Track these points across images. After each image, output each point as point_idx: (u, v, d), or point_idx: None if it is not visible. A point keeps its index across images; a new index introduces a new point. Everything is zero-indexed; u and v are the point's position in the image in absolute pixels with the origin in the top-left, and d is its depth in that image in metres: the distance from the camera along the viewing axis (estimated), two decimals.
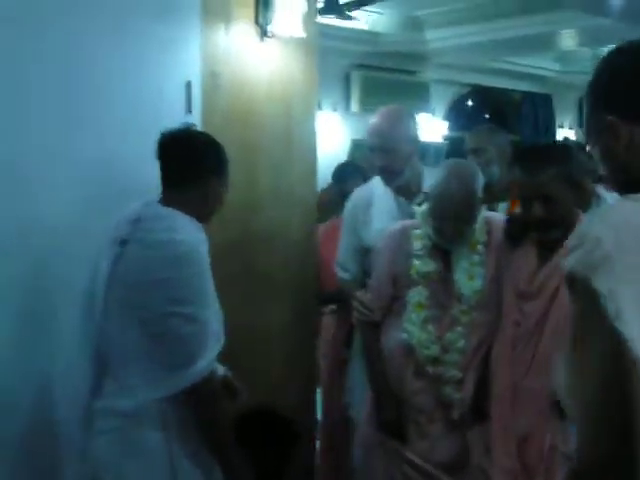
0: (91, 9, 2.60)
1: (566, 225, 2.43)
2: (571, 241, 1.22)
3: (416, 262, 2.73)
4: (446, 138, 8.31)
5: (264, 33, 3.02)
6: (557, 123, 9.44)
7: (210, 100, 2.91)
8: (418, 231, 2.76)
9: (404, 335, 2.73)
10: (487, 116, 9.61)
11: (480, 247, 2.72)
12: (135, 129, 2.70)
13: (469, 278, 2.69)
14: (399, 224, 2.91)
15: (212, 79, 2.91)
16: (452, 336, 2.69)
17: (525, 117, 9.24)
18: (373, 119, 3.10)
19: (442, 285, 2.72)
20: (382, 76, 7.81)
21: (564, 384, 1.24)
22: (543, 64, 8.75)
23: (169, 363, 2.10)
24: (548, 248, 2.48)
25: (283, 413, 2.94)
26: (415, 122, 3.18)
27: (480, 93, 9.27)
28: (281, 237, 3.20)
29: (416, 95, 8.11)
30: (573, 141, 3.43)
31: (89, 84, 2.61)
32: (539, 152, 2.59)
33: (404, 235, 2.80)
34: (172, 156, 2.26)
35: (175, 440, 2.14)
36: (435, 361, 2.69)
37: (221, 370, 2.40)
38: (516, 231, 2.62)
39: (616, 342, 1.12)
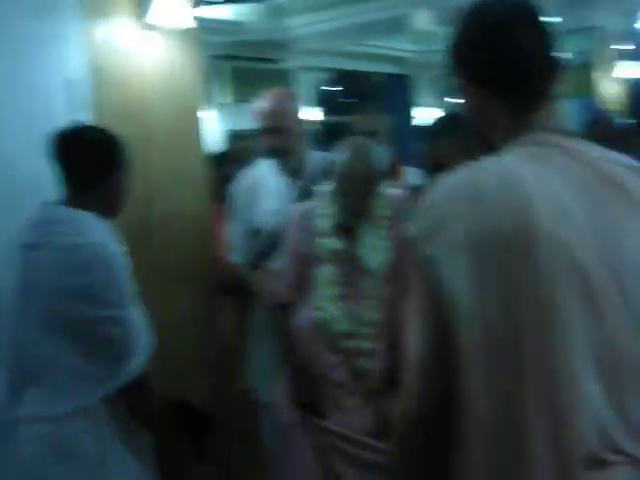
0: None
1: None
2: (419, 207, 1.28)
3: (322, 241, 2.79)
4: (321, 123, 8.43)
5: (145, 25, 3.00)
6: (417, 102, 9.76)
7: (98, 96, 2.86)
8: (322, 210, 2.81)
9: (317, 312, 2.78)
10: (356, 100, 9.83)
11: (383, 221, 2.80)
12: (23, 129, 2.64)
13: (375, 253, 2.77)
14: (302, 205, 2.95)
15: (97, 74, 2.87)
16: (363, 310, 2.75)
17: (387, 98, 9.50)
18: (261, 102, 3.13)
19: (350, 262, 2.78)
20: (248, 66, 7.84)
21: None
22: (401, 46, 9.02)
23: (97, 367, 2.08)
24: None
25: (191, 403, 2.96)
26: (299, 104, 3.25)
27: (345, 78, 9.46)
28: (178, 227, 3.20)
29: (281, 83, 8.19)
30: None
31: None
32: (441, 123, 2.68)
33: (308, 215, 2.84)
34: (70, 156, 2.21)
35: (104, 435, 2.13)
36: (349, 335, 2.75)
37: None
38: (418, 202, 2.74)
39: (438, 307, 1.19)
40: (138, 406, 2.18)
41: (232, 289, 3.40)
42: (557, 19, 7.88)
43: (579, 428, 1.15)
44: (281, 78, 8.19)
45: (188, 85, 3.21)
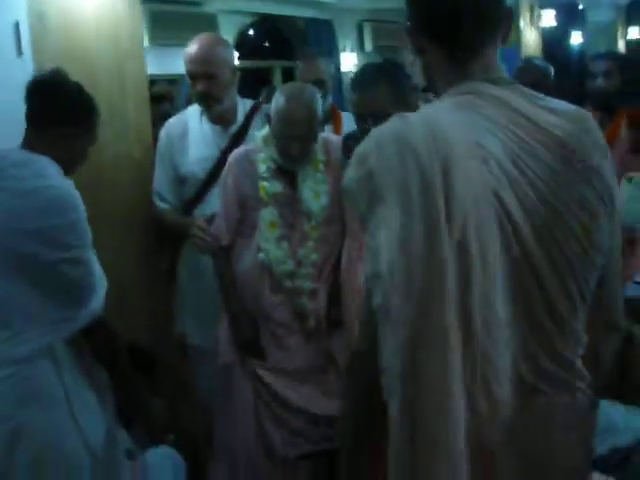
0: None
1: None
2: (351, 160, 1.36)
3: (263, 184, 2.86)
4: (237, 68, 8.39)
5: None
6: (340, 47, 9.78)
7: (40, 42, 2.85)
8: (262, 154, 2.87)
9: (260, 254, 2.86)
10: (263, 44, 9.78)
11: (321, 166, 2.90)
12: None
13: (315, 196, 2.87)
14: (241, 149, 3.00)
15: (39, 19, 2.84)
16: (304, 251, 2.87)
17: (310, 43, 9.48)
18: (191, 46, 3.12)
19: (290, 204, 2.88)
20: (169, 9, 7.69)
21: None
22: None
23: (60, 308, 2.13)
24: None
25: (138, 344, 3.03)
26: (232, 50, 3.25)
27: (262, 22, 9.37)
28: (123, 171, 3.22)
29: (205, 26, 8.08)
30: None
31: None
32: (370, 70, 2.74)
33: (247, 159, 2.91)
34: (37, 97, 2.25)
35: (67, 374, 2.18)
36: (291, 275, 2.86)
37: None
38: (353, 148, 2.80)
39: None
40: (100, 345, 2.25)
41: (163, 234, 3.42)
42: None
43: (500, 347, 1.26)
44: (204, 22, 8.07)
45: (129, 29, 3.21)
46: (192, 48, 3.11)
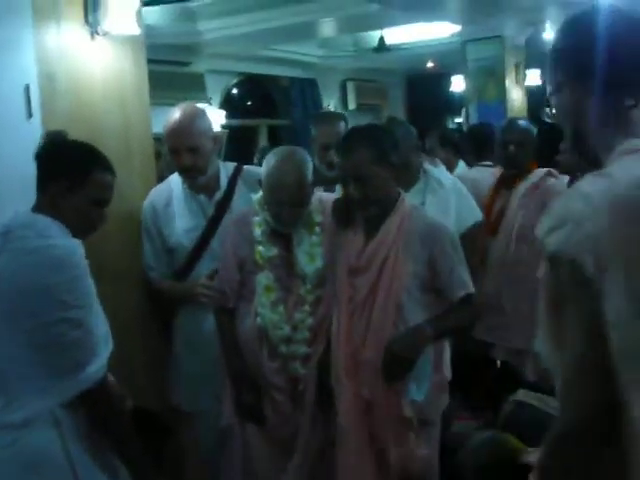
0: None
1: (384, 202, 2.65)
2: (548, 222, 1.28)
3: (259, 248, 2.84)
4: (223, 126, 8.46)
5: (95, 31, 3.01)
6: (324, 105, 9.94)
7: (49, 103, 2.87)
8: (257, 218, 2.86)
9: (257, 319, 2.84)
10: (249, 103, 9.91)
11: (317, 228, 2.87)
12: None
13: (310, 259, 2.84)
14: (240, 212, 3.01)
15: (49, 81, 2.87)
16: (300, 315, 2.83)
17: (294, 101, 9.63)
18: (169, 119, 3.09)
19: (286, 268, 2.85)
20: (157, 69, 7.78)
21: (546, 351, 1.32)
22: (308, 50, 9.17)
23: (57, 371, 2.07)
24: (373, 224, 2.68)
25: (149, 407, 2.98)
26: (209, 119, 3.23)
27: (248, 82, 9.52)
28: (124, 232, 3.18)
29: (192, 86, 8.19)
30: (397, 119, 3.67)
31: None
32: (352, 135, 2.77)
33: (244, 222, 2.90)
34: (37, 161, 2.28)
35: (72, 443, 2.11)
36: (287, 340, 2.83)
37: None
38: (341, 211, 2.80)
39: (596, 323, 1.19)
40: (100, 411, 2.18)
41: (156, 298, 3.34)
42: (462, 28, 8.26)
43: None
44: (192, 81, 8.18)
45: (136, 90, 3.24)
46: (172, 122, 3.07)
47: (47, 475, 2.08)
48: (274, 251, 2.84)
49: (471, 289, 2.69)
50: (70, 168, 2.26)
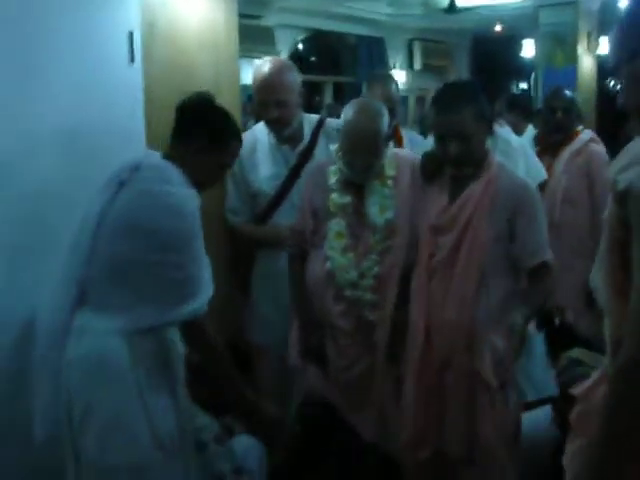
0: None
1: (477, 161, 2.66)
2: (620, 162, 1.36)
3: (332, 195, 2.91)
4: None
5: None
6: (390, 64, 9.97)
7: (149, 50, 3.03)
8: (333, 167, 2.93)
9: (327, 263, 2.92)
10: (315, 59, 9.98)
11: (390, 181, 2.90)
12: (83, 80, 2.77)
13: (381, 210, 2.88)
14: (317, 162, 3.11)
15: (150, 29, 3.04)
16: (368, 263, 2.87)
17: (360, 59, 9.68)
18: (258, 72, 3.20)
19: (357, 217, 2.90)
20: None
21: (601, 290, 1.44)
22: (376, 8, 9.19)
23: (160, 302, 2.22)
24: (460, 184, 2.68)
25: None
26: (297, 72, 3.31)
27: (315, 38, 9.58)
28: None
29: (262, 39, 8.31)
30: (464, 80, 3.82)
31: (39, 40, 2.65)
32: (452, 91, 2.75)
33: (321, 171, 2.98)
34: (177, 112, 2.41)
35: (142, 366, 2.24)
36: (353, 285, 2.88)
37: None
38: (431, 167, 2.81)
39: None
40: (198, 343, 2.36)
41: (237, 251, 3.47)
42: None
43: None
44: (262, 34, 8.30)
45: (226, 41, 3.39)
46: (261, 75, 3.19)
47: (113, 386, 2.22)
48: (347, 199, 2.90)
49: (546, 256, 2.67)
50: (216, 132, 2.40)
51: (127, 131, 2.95)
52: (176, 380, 2.37)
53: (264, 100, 3.20)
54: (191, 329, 2.31)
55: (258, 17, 8.28)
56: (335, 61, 9.95)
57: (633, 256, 1.35)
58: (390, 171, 2.92)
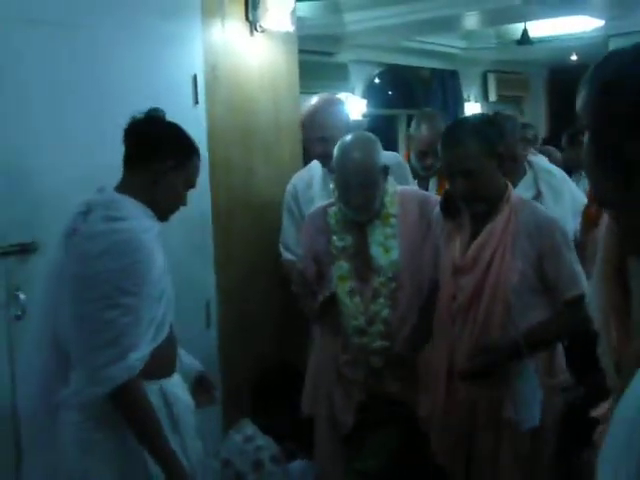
0: (107, 9, 2.88)
1: (492, 197, 2.51)
2: None
3: (333, 237, 2.81)
4: (364, 115, 8.74)
5: (254, 28, 3.36)
6: (464, 97, 10.03)
7: (211, 91, 3.24)
8: (334, 208, 2.83)
9: (340, 306, 2.79)
10: (390, 93, 10.11)
11: (393, 220, 2.78)
12: None
13: (384, 251, 2.76)
14: (317, 205, 3.03)
15: (213, 72, 3.24)
16: (376, 307, 2.75)
17: (434, 92, 9.77)
18: (308, 109, 3.30)
19: (360, 258, 2.79)
20: (305, 59, 8.15)
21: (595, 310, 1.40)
22: (450, 42, 9.29)
23: (104, 357, 2.03)
24: (480, 221, 2.53)
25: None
26: (344, 106, 3.40)
27: (389, 72, 9.74)
28: (274, 215, 3.48)
29: (336, 75, 8.51)
30: (499, 112, 3.69)
31: (108, 80, 2.89)
32: (457, 127, 2.61)
33: (322, 214, 2.88)
34: (129, 138, 2.22)
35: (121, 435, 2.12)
36: (361, 332, 2.76)
37: (197, 366, 2.45)
38: (449, 206, 2.64)
39: None
40: (127, 404, 2.09)
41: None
42: None
43: None
44: (337, 71, 8.50)
45: (287, 81, 3.57)
46: (310, 112, 3.28)
47: (99, 462, 2.11)
48: (348, 241, 2.79)
49: (582, 289, 2.43)
50: (179, 150, 2.24)
51: None
52: (182, 435, 2.23)
53: (308, 136, 3.33)
54: (126, 385, 2.05)
55: (333, 54, 8.50)
56: (409, 94, 10.07)
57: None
58: (393, 209, 2.80)
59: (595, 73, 1.09)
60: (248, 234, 3.45)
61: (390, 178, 2.85)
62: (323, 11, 7.90)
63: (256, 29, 3.37)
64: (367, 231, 2.78)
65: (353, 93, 8.65)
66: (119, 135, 2.80)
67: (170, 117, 3.02)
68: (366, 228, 2.78)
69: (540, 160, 3.89)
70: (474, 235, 2.55)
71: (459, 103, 9.87)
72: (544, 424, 2.50)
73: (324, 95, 3.44)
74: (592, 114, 1.08)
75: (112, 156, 2.78)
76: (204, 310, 3.28)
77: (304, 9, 7.73)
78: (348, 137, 2.81)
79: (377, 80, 9.51)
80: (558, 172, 3.79)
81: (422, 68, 9.69)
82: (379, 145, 2.80)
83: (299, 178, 3.46)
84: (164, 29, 3.07)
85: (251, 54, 3.39)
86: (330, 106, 3.33)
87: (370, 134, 2.91)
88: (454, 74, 9.91)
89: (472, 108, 9.90)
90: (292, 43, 3.59)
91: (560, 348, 2.66)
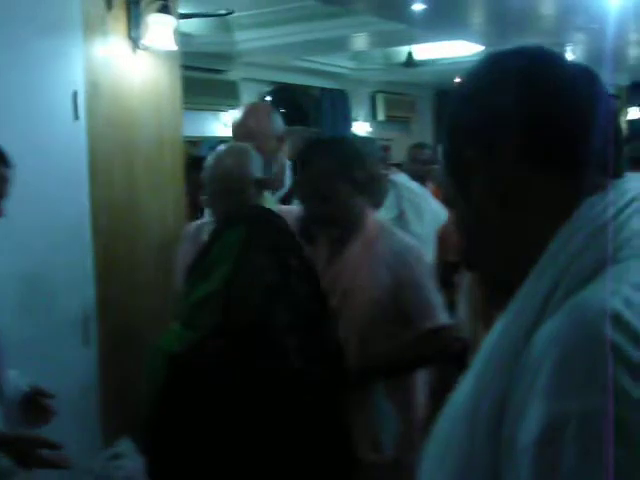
0: None
1: (349, 221, 2.37)
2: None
3: None
4: None
5: (136, 46, 3.39)
6: (353, 116, 10.27)
7: (92, 107, 3.24)
8: (208, 226, 2.64)
9: None
10: (283, 110, 10.25)
11: None
12: (31, 134, 2.99)
13: None
14: (196, 221, 2.92)
15: (93, 88, 3.25)
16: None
17: (325, 111, 9.98)
18: (238, 117, 3.23)
19: None
20: (195, 75, 8.19)
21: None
22: (339, 62, 9.52)
23: None
24: (337, 246, 2.40)
25: None
26: (277, 117, 3.27)
27: (280, 91, 9.87)
28: (157, 229, 3.55)
29: (227, 92, 8.58)
30: (360, 135, 3.70)
31: None
32: (311, 147, 2.50)
33: (198, 231, 2.75)
34: None
35: None
36: None
37: (22, 385, 2.21)
38: (304, 229, 2.48)
39: None
40: None
41: None
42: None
43: None
44: (226, 88, 8.56)
45: (170, 99, 3.61)
46: (238, 119, 3.19)
47: None
48: None
49: (440, 320, 2.37)
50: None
51: (71, 182, 3.16)
52: None
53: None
54: None
55: (223, 71, 8.56)
56: (300, 113, 10.22)
57: None
58: None
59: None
60: (132, 249, 3.46)
61: (270, 196, 2.72)
62: (214, 29, 7.96)
63: (138, 47, 3.39)
64: None
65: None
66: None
67: (50, 132, 3.08)
68: None
69: (401, 178, 3.89)
70: (330, 261, 2.40)
71: (348, 122, 10.09)
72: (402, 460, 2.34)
73: (256, 103, 3.38)
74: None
75: None
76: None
77: (194, 26, 7.78)
78: (222, 147, 2.74)
79: (268, 98, 9.62)
80: (419, 189, 3.84)
81: (312, 87, 9.88)
82: (254, 157, 2.67)
83: None
84: (44, 45, 3.07)
85: (133, 71, 3.41)
86: (260, 113, 3.24)
87: (246, 145, 2.81)
88: (343, 94, 10.15)
89: (361, 127, 10.15)
90: (174, 60, 3.62)
91: (418, 381, 2.52)
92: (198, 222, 2.86)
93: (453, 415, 0.90)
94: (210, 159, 2.64)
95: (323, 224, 2.39)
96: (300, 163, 2.44)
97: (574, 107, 0.92)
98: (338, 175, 2.33)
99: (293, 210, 2.67)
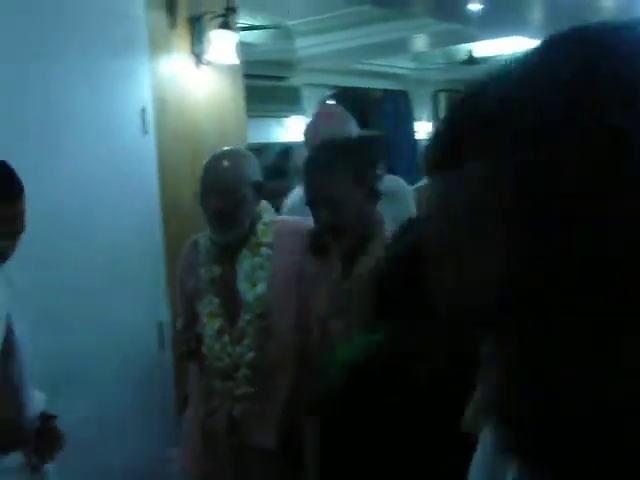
0: (60, 50, 3.05)
1: (361, 230, 2.16)
2: None
3: (202, 270, 2.48)
4: None
5: (199, 61, 3.55)
6: (415, 117, 10.31)
7: (160, 122, 3.42)
8: (204, 238, 2.52)
9: (203, 348, 2.46)
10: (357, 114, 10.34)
11: (264, 249, 2.43)
12: (103, 150, 3.17)
13: (251, 284, 2.41)
14: (191, 238, 2.70)
15: (161, 104, 3.42)
16: (241, 350, 2.39)
17: (387, 113, 10.03)
18: (311, 122, 3.20)
19: (230, 293, 2.44)
20: (257, 83, 8.37)
21: None
22: (399, 63, 9.57)
23: None
24: (351, 257, 2.18)
25: None
26: (352, 120, 3.17)
27: (342, 94, 9.97)
28: None
29: (289, 98, 8.73)
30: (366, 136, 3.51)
31: (61, 118, 3.06)
32: (322, 151, 2.28)
33: (192, 248, 2.58)
34: None
35: None
36: (225, 376, 2.42)
37: (40, 403, 2.16)
38: (314, 242, 2.34)
39: None
40: None
41: None
42: None
43: None
44: (289, 94, 8.72)
45: (233, 110, 3.76)
46: (310, 123, 3.13)
47: None
48: (216, 272, 2.45)
49: None
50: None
51: (143, 195, 3.33)
52: None
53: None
54: None
55: (285, 78, 8.72)
56: (362, 115, 10.30)
57: None
58: (265, 238, 2.44)
59: None
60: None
61: (268, 206, 2.54)
62: (274, 37, 8.12)
63: (201, 62, 3.55)
64: (235, 262, 2.43)
65: (305, 116, 8.86)
66: (73, 169, 3.00)
67: (121, 147, 3.25)
68: (235, 258, 2.43)
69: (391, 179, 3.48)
70: (345, 276, 2.19)
71: (411, 122, 10.13)
72: None
73: (329, 105, 3.51)
74: None
75: (66, 190, 3.00)
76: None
77: (255, 36, 7.97)
78: (220, 149, 2.58)
79: (329, 102, 9.74)
80: (403, 186, 3.47)
81: (374, 89, 9.95)
82: (254, 162, 2.51)
83: (294, 195, 3.27)
84: (114, 65, 3.24)
85: (197, 86, 3.58)
86: (337, 116, 3.17)
87: (243, 149, 2.70)
88: (405, 94, 10.19)
89: (424, 127, 10.18)
90: (237, 72, 3.78)
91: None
92: (193, 238, 2.62)
93: None
94: (207, 161, 2.50)
95: (336, 234, 2.16)
96: (310, 169, 2.23)
97: None
98: (355, 180, 2.14)
99: (299, 223, 2.50)
